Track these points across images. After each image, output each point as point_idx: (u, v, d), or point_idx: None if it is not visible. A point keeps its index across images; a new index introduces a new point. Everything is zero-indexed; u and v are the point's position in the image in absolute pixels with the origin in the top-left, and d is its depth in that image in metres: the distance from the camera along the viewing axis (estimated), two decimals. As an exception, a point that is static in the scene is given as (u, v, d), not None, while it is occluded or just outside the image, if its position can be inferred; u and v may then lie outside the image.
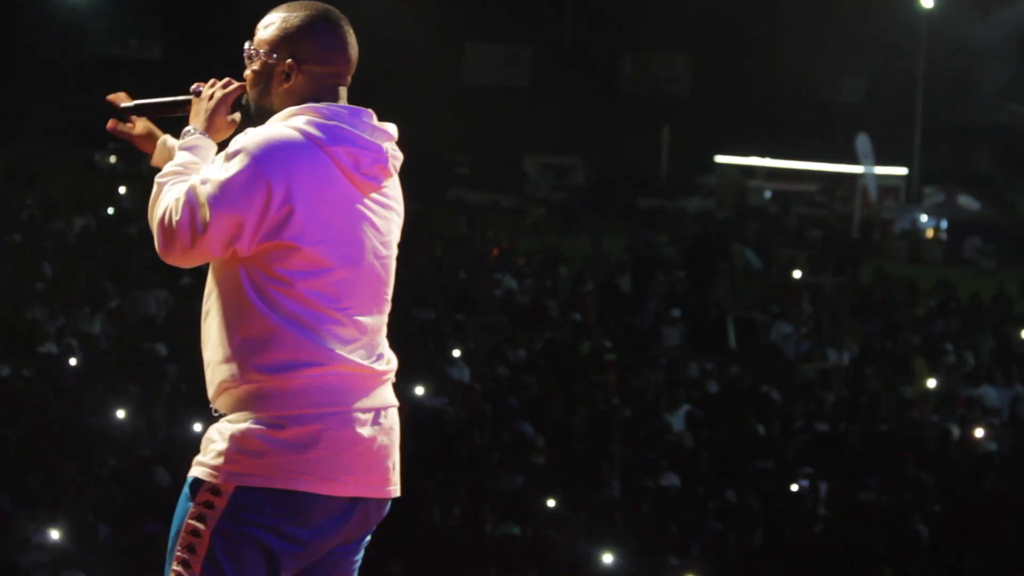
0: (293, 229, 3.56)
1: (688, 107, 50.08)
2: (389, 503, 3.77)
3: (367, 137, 3.71)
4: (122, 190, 31.81)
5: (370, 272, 3.71)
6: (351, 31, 3.82)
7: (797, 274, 25.38)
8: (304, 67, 3.73)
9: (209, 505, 3.55)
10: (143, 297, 18.58)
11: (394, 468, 3.75)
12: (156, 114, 4.02)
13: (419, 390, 15.15)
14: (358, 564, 3.79)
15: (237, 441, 3.58)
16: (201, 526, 3.54)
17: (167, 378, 14.63)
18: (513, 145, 47.03)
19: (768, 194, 44.72)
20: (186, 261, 3.62)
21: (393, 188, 3.83)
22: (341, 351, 3.62)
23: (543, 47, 53.44)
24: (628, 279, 23.36)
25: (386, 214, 3.79)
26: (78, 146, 43.75)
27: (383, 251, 3.75)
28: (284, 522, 3.54)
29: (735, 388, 17.35)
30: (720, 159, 45.86)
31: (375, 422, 3.70)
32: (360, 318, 3.67)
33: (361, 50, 3.90)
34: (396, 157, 3.82)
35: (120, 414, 12.93)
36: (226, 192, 3.54)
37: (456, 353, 17.32)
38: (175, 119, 3.96)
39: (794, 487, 13.37)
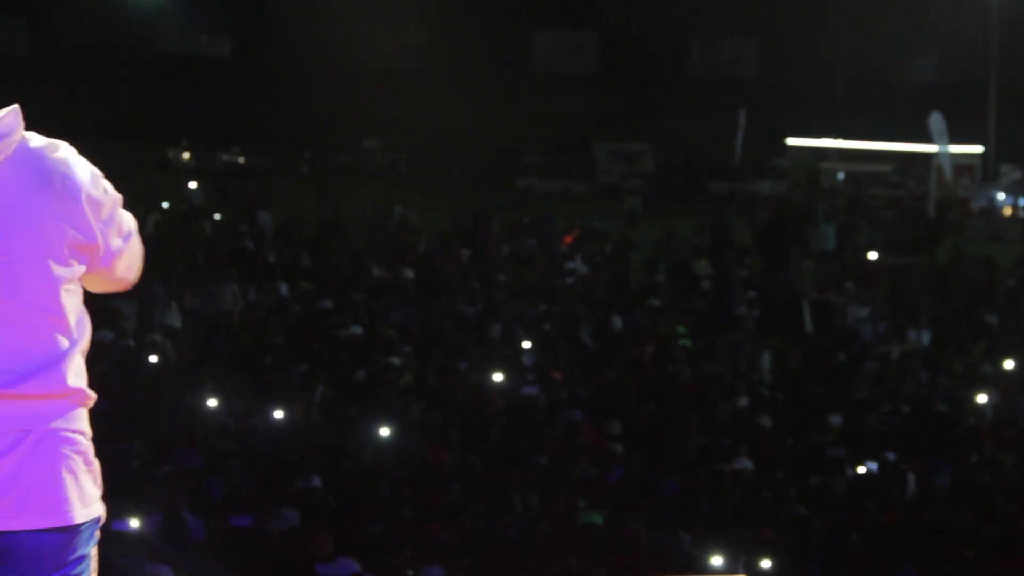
0: None
1: (758, 90, 49.76)
2: (36, 534, 3.34)
3: None
4: (193, 185, 32.07)
5: None
6: None
7: (872, 255, 25.15)
8: None
9: None
10: (218, 292, 18.73)
11: (26, 496, 3.29)
12: None
13: (497, 377, 15.17)
14: None
15: None
16: None
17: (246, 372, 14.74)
18: (582, 132, 46.96)
19: (841, 175, 44.35)
20: None
21: (11, 178, 3.32)
22: None
23: (610, 33, 53.29)
24: (703, 263, 23.27)
25: None
26: (151, 142, 44.17)
27: None
28: None
29: (809, 371, 17.24)
30: (791, 141, 45.53)
31: None
32: None
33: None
34: None
35: (204, 408, 13.04)
36: None
37: (526, 344, 17.33)
38: None
39: (861, 469, 13.27)
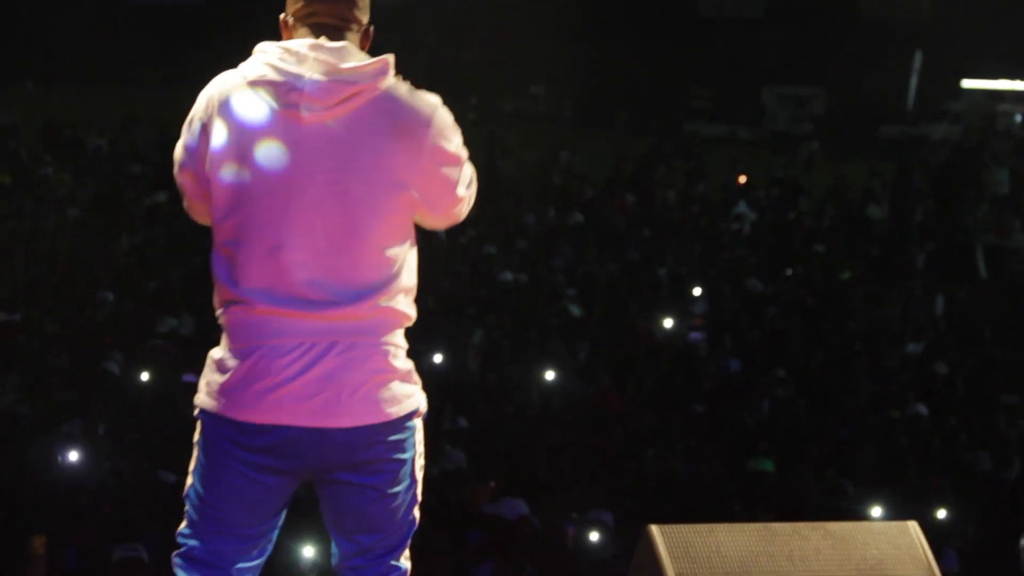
0: (209, 166, 3.78)
1: (932, 31, 48.58)
2: (351, 431, 3.77)
3: (286, 67, 3.74)
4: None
5: (294, 207, 3.70)
6: None
7: (1050, 199, 24.44)
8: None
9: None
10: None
11: (337, 399, 3.74)
12: None
13: (664, 322, 15.12)
14: (360, 488, 3.84)
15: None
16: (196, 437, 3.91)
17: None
18: (750, 76, 46.34)
19: (1018, 118, 43.14)
20: None
21: (352, 117, 3.74)
22: (245, 292, 3.75)
23: (779, -25, 52.42)
24: (876, 208, 22.88)
25: (335, 143, 3.72)
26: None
27: (310, 183, 3.70)
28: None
29: (983, 316, 16.86)
30: (967, 84, 44.38)
31: (303, 357, 3.73)
32: (287, 259, 3.71)
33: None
34: (328, 86, 3.73)
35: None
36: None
37: (697, 291, 17.22)
38: None
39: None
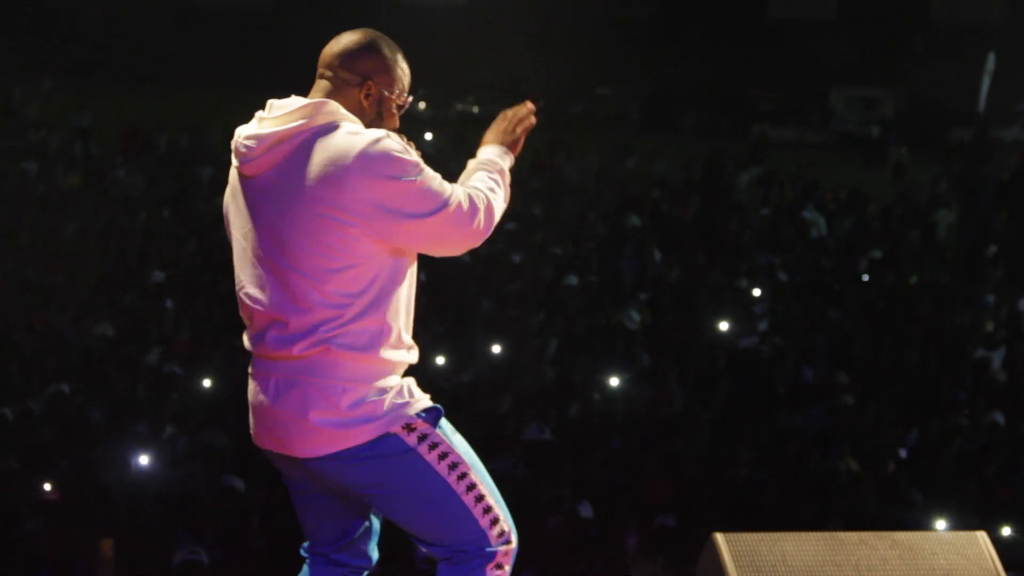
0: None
1: (1005, 34, 48.06)
2: (311, 460, 3.94)
3: (238, 129, 4.02)
4: (428, 136, 32.53)
5: (250, 252, 3.94)
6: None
7: None
8: None
9: None
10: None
11: (296, 432, 3.92)
12: None
13: (723, 326, 15.03)
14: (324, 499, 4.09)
15: None
16: None
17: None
18: (819, 79, 46.06)
19: (1092, 121, 42.60)
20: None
21: (283, 163, 3.90)
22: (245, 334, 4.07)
23: (849, -23, 52.05)
24: (944, 213, 22.67)
25: (268, 190, 3.90)
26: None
27: (257, 229, 3.92)
28: None
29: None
30: (1040, 86, 43.86)
31: (262, 391, 3.99)
32: (248, 301, 3.98)
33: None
34: (255, 137, 3.93)
35: (432, 357, 13.23)
36: None
37: (756, 292, 17.14)
38: None
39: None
